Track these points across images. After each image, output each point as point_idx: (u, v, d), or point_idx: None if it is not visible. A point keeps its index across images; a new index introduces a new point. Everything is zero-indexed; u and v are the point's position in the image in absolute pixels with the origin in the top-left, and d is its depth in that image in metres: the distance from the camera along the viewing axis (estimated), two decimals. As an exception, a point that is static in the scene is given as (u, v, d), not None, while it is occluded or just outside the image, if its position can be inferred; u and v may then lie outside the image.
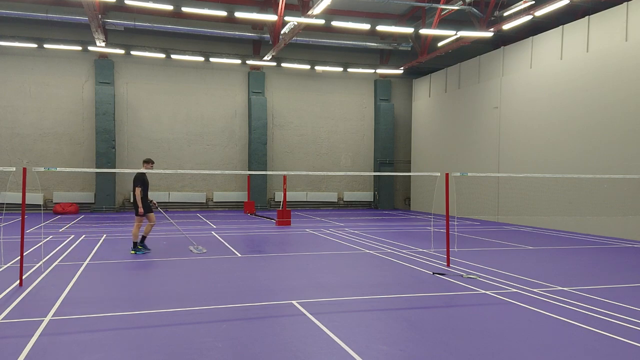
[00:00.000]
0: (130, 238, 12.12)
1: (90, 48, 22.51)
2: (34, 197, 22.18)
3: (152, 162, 11.21)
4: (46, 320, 5.98)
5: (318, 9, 16.03)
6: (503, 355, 5.00)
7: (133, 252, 11.14)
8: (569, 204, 16.29)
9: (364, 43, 25.27)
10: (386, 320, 6.19)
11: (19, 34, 22.25)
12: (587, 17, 16.49)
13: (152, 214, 11.35)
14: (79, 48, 22.85)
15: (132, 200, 10.91)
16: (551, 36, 17.85)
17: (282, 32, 19.26)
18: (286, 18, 18.60)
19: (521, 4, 17.05)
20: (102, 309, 6.55)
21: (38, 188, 22.32)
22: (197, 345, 5.17)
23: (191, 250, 11.53)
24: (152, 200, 11.44)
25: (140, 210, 10.90)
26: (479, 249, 12.29)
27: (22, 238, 8.16)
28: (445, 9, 19.74)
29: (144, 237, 11.44)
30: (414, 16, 23.67)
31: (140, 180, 10.97)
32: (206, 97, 25.41)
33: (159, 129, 24.71)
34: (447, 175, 9.87)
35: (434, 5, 19.55)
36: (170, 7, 20.02)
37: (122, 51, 22.75)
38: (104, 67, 23.56)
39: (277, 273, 9.14)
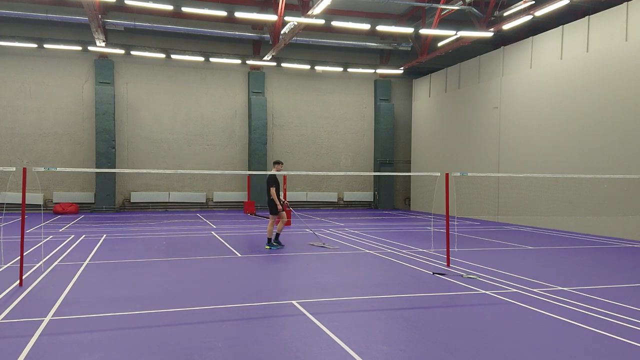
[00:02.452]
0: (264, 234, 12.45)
1: (90, 48, 22.52)
2: (34, 197, 22.19)
3: (282, 163, 11.97)
4: (46, 320, 5.98)
5: (318, 9, 16.03)
6: (503, 355, 5.00)
7: (267, 247, 11.80)
8: (569, 204, 16.29)
9: (364, 43, 25.27)
10: (386, 320, 6.19)
11: (19, 34, 22.25)
12: (587, 17, 16.48)
13: (285, 212, 12.00)
14: (79, 48, 22.85)
15: (269, 200, 11.80)
16: (551, 36, 17.85)
17: (282, 32, 19.25)
18: (286, 18, 18.60)
19: (521, 4, 17.05)
20: (102, 309, 6.55)
21: (38, 188, 22.32)
22: (197, 345, 5.17)
23: (324, 246, 12.23)
24: (283, 200, 12.15)
25: (279, 207, 11.60)
26: (479, 249, 12.29)
27: (22, 238, 8.16)
28: (445, 9, 19.73)
29: (277, 235, 12.05)
30: (414, 16, 23.67)
31: (274, 181, 11.70)
32: (206, 97, 25.41)
33: (159, 129, 24.71)
34: (447, 175, 9.87)
35: (434, 5, 19.55)
36: (170, 7, 20.02)
37: (122, 51, 22.75)
38: (104, 67, 23.56)
39: (277, 273, 9.14)
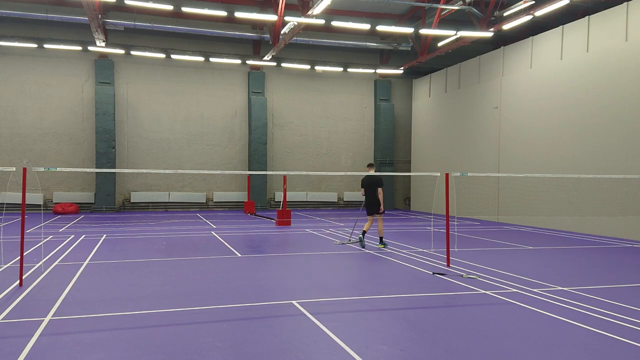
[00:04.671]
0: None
1: (90, 48, 22.52)
2: (34, 197, 22.19)
3: (374, 165, 12.73)
4: (46, 320, 5.98)
5: (318, 9, 16.02)
6: (503, 355, 5.00)
7: (381, 246, 12.18)
8: (569, 204, 16.29)
9: (364, 43, 25.27)
10: (386, 320, 6.19)
11: (19, 34, 22.25)
12: (587, 17, 16.48)
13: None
14: (79, 48, 22.85)
15: (373, 201, 12.11)
16: (551, 36, 17.84)
17: (282, 32, 19.26)
18: (286, 18, 18.60)
19: (521, 4, 17.04)
20: (102, 309, 6.55)
21: (38, 188, 22.32)
22: (197, 345, 5.17)
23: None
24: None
25: (382, 208, 12.02)
26: (479, 249, 12.29)
27: (22, 238, 8.15)
28: (445, 9, 19.73)
29: (365, 232, 12.34)
30: (414, 16, 23.67)
31: (382, 182, 12.19)
32: (206, 97, 25.41)
33: (159, 129, 24.72)
34: (447, 175, 9.87)
35: (434, 5, 19.55)
36: (170, 7, 20.02)
37: (122, 51, 22.75)
38: (104, 67, 23.56)
39: (277, 273, 9.14)
